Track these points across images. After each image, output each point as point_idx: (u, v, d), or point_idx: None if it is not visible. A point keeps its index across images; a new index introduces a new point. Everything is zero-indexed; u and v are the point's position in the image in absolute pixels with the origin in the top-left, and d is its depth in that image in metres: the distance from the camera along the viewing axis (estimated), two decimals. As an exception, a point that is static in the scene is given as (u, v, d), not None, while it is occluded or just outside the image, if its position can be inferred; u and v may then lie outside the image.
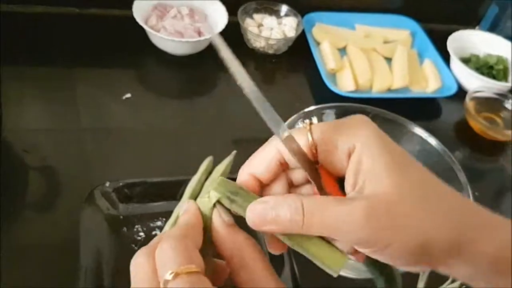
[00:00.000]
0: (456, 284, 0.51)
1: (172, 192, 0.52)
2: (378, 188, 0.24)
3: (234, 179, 0.55)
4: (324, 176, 0.27)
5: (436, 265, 0.25)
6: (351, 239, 0.24)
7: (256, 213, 0.25)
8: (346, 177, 0.26)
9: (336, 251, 0.27)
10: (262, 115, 0.26)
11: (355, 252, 0.26)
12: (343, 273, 0.47)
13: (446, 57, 0.78)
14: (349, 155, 0.26)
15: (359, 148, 0.25)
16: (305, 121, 0.26)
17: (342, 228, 0.24)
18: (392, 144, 0.26)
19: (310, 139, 0.26)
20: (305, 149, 0.26)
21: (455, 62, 0.77)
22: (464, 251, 0.24)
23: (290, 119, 0.53)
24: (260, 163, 0.28)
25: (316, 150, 0.26)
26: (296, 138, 0.26)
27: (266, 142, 0.28)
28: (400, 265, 0.26)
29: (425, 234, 0.23)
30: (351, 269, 0.47)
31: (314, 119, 0.26)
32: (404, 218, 0.23)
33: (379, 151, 0.25)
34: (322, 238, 0.27)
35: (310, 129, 0.26)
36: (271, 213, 0.25)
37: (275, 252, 0.28)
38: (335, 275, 0.27)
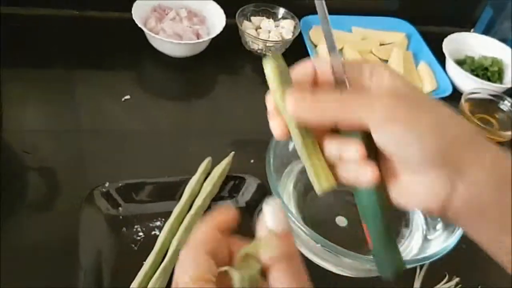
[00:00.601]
0: (452, 283, 0.52)
1: (171, 192, 0.52)
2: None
3: (234, 177, 0.56)
4: None
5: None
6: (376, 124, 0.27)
7: (296, 96, 0.28)
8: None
9: (330, 174, 0.29)
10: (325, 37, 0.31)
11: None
12: (342, 272, 0.48)
13: (441, 59, 0.79)
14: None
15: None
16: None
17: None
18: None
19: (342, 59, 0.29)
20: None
21: (450, 64, 0.78)
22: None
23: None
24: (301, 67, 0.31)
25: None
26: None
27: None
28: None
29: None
30: (350, 269, 0.47)
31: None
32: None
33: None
34: (325, 159, 0.29)
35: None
36: (312, 97, 0.28)
37: (277, 135, 0.30)
38: (318, 193, 0.29)
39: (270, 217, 0.26)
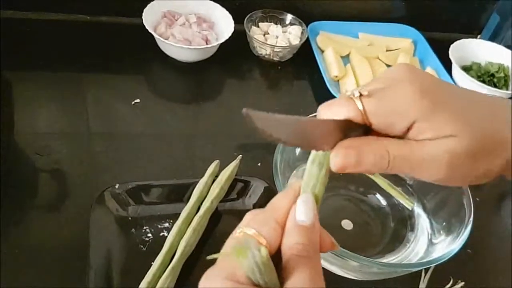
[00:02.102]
0: (457, 287, 0.52)
1: (179, 194, 0.53)
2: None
3: (242, 180, 0.56)
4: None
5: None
6: (431, 178, 0.27)
7: (340, 158, 0.27)
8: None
9: None
10: None
11: None
12: (347, 275, 0.48)
13: (447, 65, 0.80)
14: (408, 129, 0.27)
15: (417, 124, 0.26)
16: (353, 91, 0.27)
17: (425, 170, 0.26)
18: (447, 90, 0.27)
19: (362, 109, 0.26)
20: (354, 115, 0.27)
21: (456, 70, 0.79)
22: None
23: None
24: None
25: (368, 119, 0.27)
26: (346, 107, 0.27)
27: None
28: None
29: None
30: (356, 272, 0.47)
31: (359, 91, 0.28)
32: (476, 163, 0.27)
33: (437, 114, 0.26)
34: None
35: (362, 103, 0.26)
36: (355, 159, 0.26)
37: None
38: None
39: (303, 209, 0.26)
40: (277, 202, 0.27)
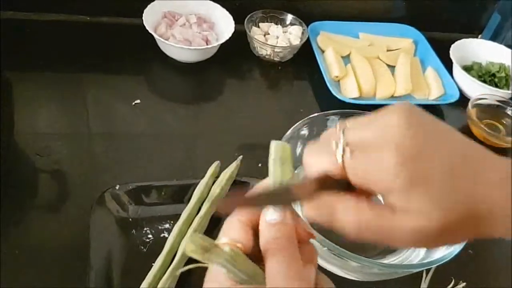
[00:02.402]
0: (459, 287, 0.52)
1: (180, 195, 0.53)
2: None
3: (242, 182, 0.56)
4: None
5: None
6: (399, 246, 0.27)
7: (313, 215, 0.27)
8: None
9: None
10: None
11: None
12: (348, 275, 0.48)
13: (448, 65, 0.79)
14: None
15: (391, 195, 0.25)
16: (338, 144, 0.26)
17: (392, 240, 0.26)
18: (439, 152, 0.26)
19: (340, 164, 0.26)
20: (333, 169, 0.26)
21: (457, 70, 0.78)
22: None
23: (295, 125, 0.54)
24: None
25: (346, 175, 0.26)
26: (327, 159, 0.26)
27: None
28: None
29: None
30: (356, 272, 0.47)
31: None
32: (444, 238, 0.26)
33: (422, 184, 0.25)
34: None
35: (343, 160, 0.26)
36: (327, 218, 0.27)
37: None
38: None
39: (270, 209, 0.27)
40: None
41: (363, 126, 0.27)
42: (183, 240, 0.48)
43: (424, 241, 0.26)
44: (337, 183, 0.27)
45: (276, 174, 0.28)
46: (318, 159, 0.27)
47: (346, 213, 0.26)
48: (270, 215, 0.27)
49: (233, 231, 0.27)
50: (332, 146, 0.26)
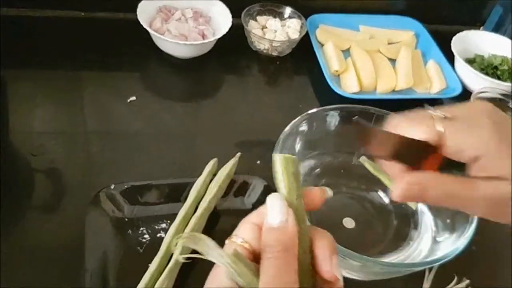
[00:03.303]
0: (462, 285, 0.51)
1: (177, 194, 0.52)
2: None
3: (240, 180, 0.55)
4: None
5: None
6: (482, 216, 0.32)
7: (403, 191, 0.30)
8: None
9: None
10: None
11: None
12: (349, 275, 0.47)
13: (450, 58, 0.78)
14: (473, 161, 0.30)
15: (482, 160, 0.30)
16: (437, 110, 0.31)
17: (476, 209, 0.31)
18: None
19: (441, 131, 0.30)
20: (431, 136, 0.30)
21: (459, 63, 0.77)
22: None
23: (294, 121, 0.53)
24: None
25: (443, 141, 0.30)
26: (424, 126, 0.30)
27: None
28: None
29: None
30: (357, 271, 0.47)
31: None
32: None
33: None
34: None
35: (443, 126, 0.30)
36: (418, 194, 0.30)
37: None
38: None
39: (269, 211, 0.27)
40: (259, 209, 0.29)
41: (454, 108, 0.31)
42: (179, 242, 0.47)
43: (505, 209, 0.30)
44: (425, 153, 0.31)
45: (291, 187, 0.28)
46: (417, 127, 0.31)
47: (437, 189, 0.30)
48: (271, 218, 0.26)
49: (243, 231, 0.27)
50: (428, 118, 0.30)
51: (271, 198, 0.27)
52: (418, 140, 0.30)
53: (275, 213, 0.26)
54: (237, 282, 0.25)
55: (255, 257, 0.26)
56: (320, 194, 0.30)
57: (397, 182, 0.30)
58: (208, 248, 0.26)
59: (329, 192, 0.30)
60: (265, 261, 0.25)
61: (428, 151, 0.31)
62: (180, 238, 0.26)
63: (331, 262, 0.27)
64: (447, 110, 0.31)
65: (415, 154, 0.31)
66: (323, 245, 0.27)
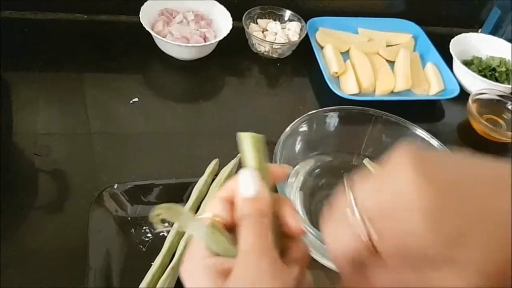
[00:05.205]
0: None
1: (179, 194, 0.53)
2: None
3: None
4: None
5: None
6: None
7: None
8: None
9: None
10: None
11: None
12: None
13: (448, 60, 0.79)
14: None
15: None
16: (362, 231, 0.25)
17: None
18: None
19: (367, 242, 0.24)
20: (359, 247, 0.25)
21: (457, 65, 0.78)
22: None
23: (294, 122, 0.54)
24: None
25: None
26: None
27: None
28: None
29: None
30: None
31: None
32: None
33: None
34: None
35: (368, 235, 0.24)
36: None
37: None
38: None
39: (241, 184, 0.28)
40: (226, 185, 0.30)
41: (374, 191, 0.25)
42: (182, 239, 0.47)
43: None
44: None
45: (261, 162, 0.29)
46: (341, 239, 0.26)
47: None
48: (244, 189, 0.28)
49: (213, 206, 0.29)
50: (348, 218, 0.25)
51: (243, 172, 0.29)
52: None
53: (249, 184, 0.28)
54: (216, 251, 0.26)
55: (227, 229, 0.28)
56: (283, 170, 0.31)
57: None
58: (186, 221, 0.27)
59: (289, 169, 0.30)
60: (244, 229, 0.26)
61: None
62: (158, 209, 0.27)
63: (296, 218, 0.28)
64: (365, 193, 0.25)
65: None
66: (287, 207, 0.29)
